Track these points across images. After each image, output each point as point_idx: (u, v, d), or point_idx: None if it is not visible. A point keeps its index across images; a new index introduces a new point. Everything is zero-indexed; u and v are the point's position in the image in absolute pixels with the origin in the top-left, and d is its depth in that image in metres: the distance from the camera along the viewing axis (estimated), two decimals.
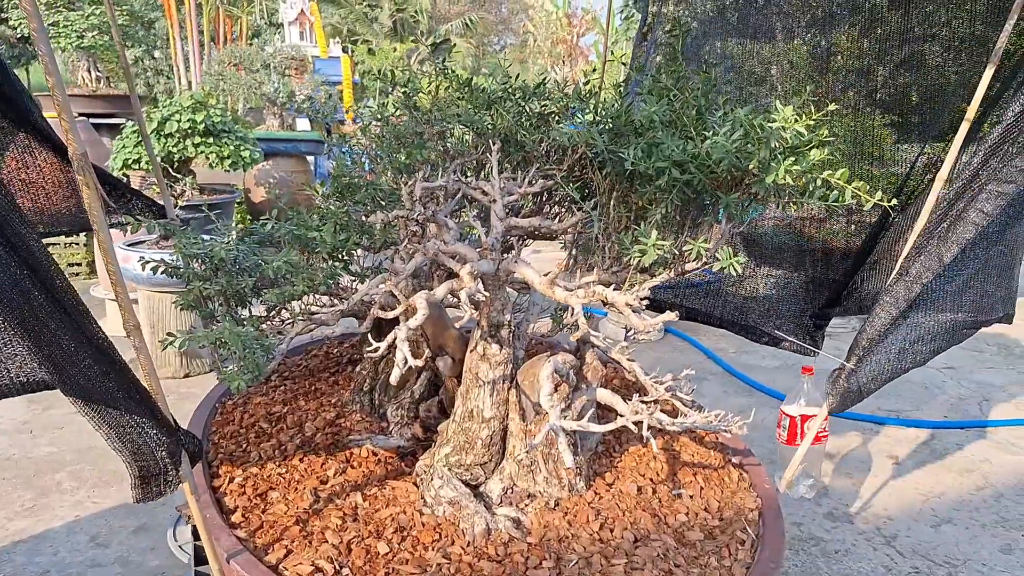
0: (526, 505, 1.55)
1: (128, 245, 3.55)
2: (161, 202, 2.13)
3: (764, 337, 2.57)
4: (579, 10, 20.05)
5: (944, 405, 3.59)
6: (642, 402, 1.45)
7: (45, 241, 1.22)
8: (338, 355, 2.31)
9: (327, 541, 1.39)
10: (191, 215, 4.06)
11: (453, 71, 1.77)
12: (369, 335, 1.71)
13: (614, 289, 1.41)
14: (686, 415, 1.51)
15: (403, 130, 1.78)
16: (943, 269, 2.05)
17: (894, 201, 1.31)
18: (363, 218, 1.64)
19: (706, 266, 1.43)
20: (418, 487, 1.59)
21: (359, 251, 1.71)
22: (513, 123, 1.63)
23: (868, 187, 1.24)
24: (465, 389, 1.61)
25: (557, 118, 1.73)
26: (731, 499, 1.65)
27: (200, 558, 1.72)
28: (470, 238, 1.69)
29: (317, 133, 7.42)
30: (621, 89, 1.72)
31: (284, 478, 1.60)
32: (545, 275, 1.42)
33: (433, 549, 1.39)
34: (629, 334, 4.03)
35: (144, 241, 3.62)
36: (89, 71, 6.64)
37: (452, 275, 1.48)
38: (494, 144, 1.59)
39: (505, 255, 1.55)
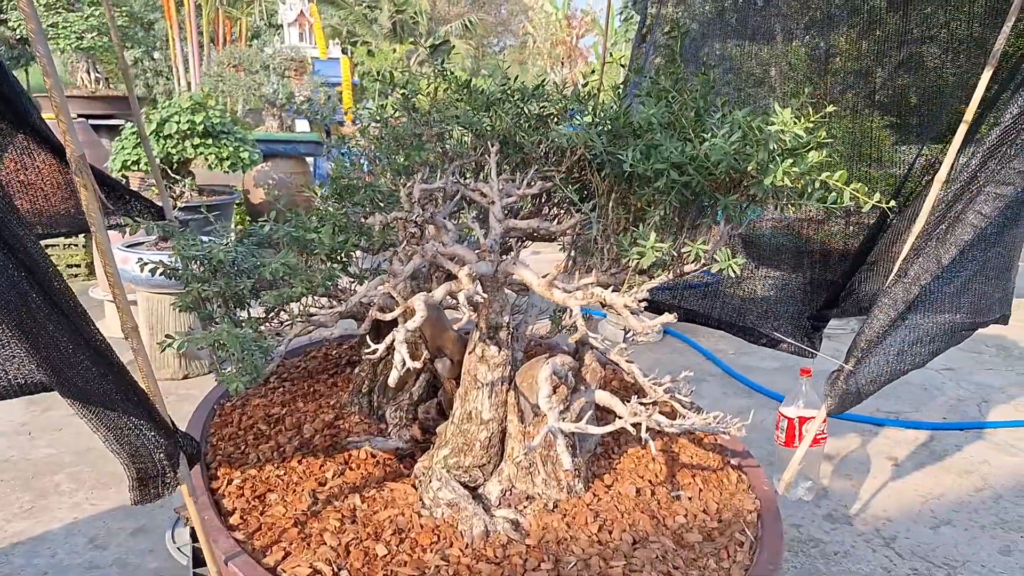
0: (524, 507, 1.55)
1: (127, 246, 3.55)
2: (160, 203, 2.13)
3: (762, 339, 2.57)
4: (578, 11, 20.07)
5: (943, 407, 3.59)
6: (640, 404, 1.45)
7: (44, 242, 1.22)
8: (337, 357, 2.31)
9: (325, 543, 1.39)
10: (190, 216, 4.07)
11: (452, 73, 1.77)
12: (367, 337, 1.71)
13: (613, 291, 1.41)
14: (685, 417, 1.51)
15: (402, 132, 1.78)
16: (941, 271, 2.05)
17: (892, 203, 1.31)
18: (362, 220, 1.64)
19: (704, 268, 1.43)
20: (416, 489, 1.59)
21: (358, 253, 1.71)
22: (512, 125, 1.63)
23: (866, 189, 1.24)
24: (464, 391, 1.61)
25: (556, 120, 1.73)
26: (730, 501, 1.65)
27: (198, 560, 1.71)
28: (469, 240, 1.69)
29: (316, 134, 7.42)
30: (620, 91, 1.72)
31: (282, 480, 1.60)
32: (543, 277, 1.42)
33: (431, 551, 1.39)
34: (628, 336, 4.03)
35: (143, 242, 3.62)
36: (88, 72, 6.65)
37: (451, 277, 1.48)
38: (493, 146, 1.59)
39: (504, 257, 1.55)
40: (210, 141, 4.41)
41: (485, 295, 1.48)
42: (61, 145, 1.76)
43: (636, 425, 1.39)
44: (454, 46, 21.11)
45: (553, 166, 1.64)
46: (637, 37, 2.96)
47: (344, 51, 15.41)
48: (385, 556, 1.37)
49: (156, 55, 11.14)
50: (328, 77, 9.95)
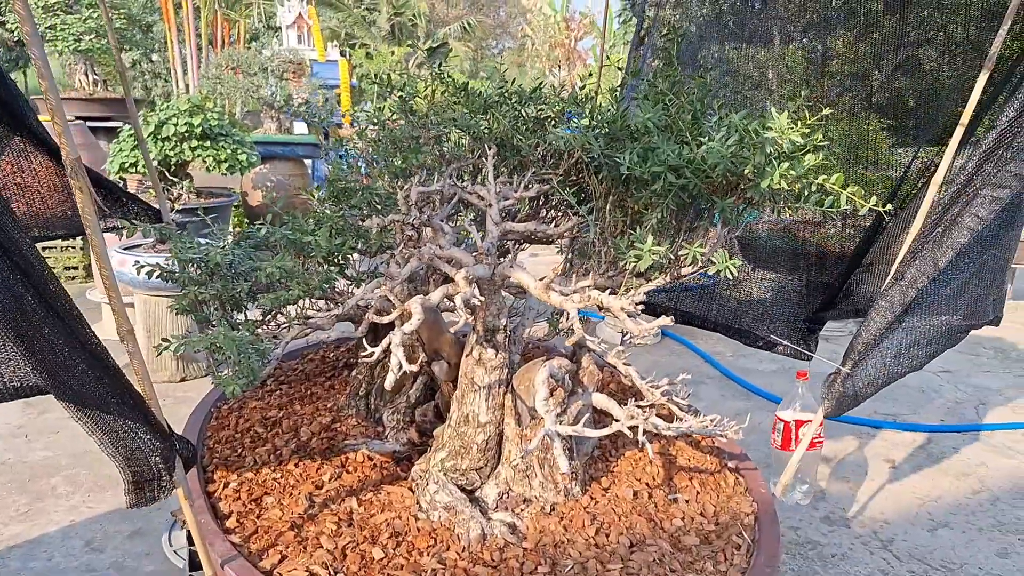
0: (522, 510, 1.55)
1: (124, 249, 3.54)
2: (157, 206, 2.13)
3: (758, 341, 2.57)
4: (577, 14, 20.09)
5: (941, 409, 3.59)
6: (638, 407, 1.45)
7: (42, 245, 1.22)
8: (334, 359, 2.31)
9: (322, 546, 1.38)
10: (187, 219, 4.06)
11: (449, 75, 1.77)
12: (365, 339, 1.70)
13: (610, 294, 1.41)
14: (682, 419, 1.51)
15: (399, 134, 1.78)
16: (938, 273, 2.05)
17: (889, 207, 1.31)
18: (359, 222, 1.64)
19: (701, 270, 1.43)
20: (413, 492, 1.59)
21: (355, 255, 1.71)
22: (509, 127, 1.63)
23: (863, 192, 1.25)
24: (461, 394, 1.60)
25: (553, 122, 1.74)
26: (727, 503, 1.65)
27: (195, 563, 1.71)
28: (466, 242, 1.69)
29: (314, 137, 7.42)
30: (617, 94, 1.72)
31: (279, 483, 1.59)
32: (541, 279, 1.42)
33: (428, 554, 1.39)
34: (625, 338, 4.02)
35: (140, 245, 3.62)
36: (86, 74, 6.65)
37: (448, 280, 1.48)
38: (490, 148, 1.59)
39: (501, 260, 1.55)
40: (208, 143, 4.40)
41: (482, 298, 1.48)
42: (58, 147, 1.76)
43: (633, 428, 1.39)
44: (452, 48, 21.13)
45: (550, 169, 1.64)
46: (635, 40, 2.96)
47: (342, 53, 15.41)
48: (382, 559, 1.37)
49: (154, 57, 11.14)
50: (326, 79, 9.96)
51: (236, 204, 5.95)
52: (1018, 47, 2.13)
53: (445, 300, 1.43)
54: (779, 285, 2.63)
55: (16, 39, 8.04)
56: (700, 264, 1.41)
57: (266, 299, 1.47)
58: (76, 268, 5.31)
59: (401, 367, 1.19)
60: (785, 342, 2.49)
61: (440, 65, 1.92)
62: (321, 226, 1.59)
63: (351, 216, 1.66)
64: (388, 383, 1.21)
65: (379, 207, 1.71)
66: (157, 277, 1.58)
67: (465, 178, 1.78)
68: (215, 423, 1.86)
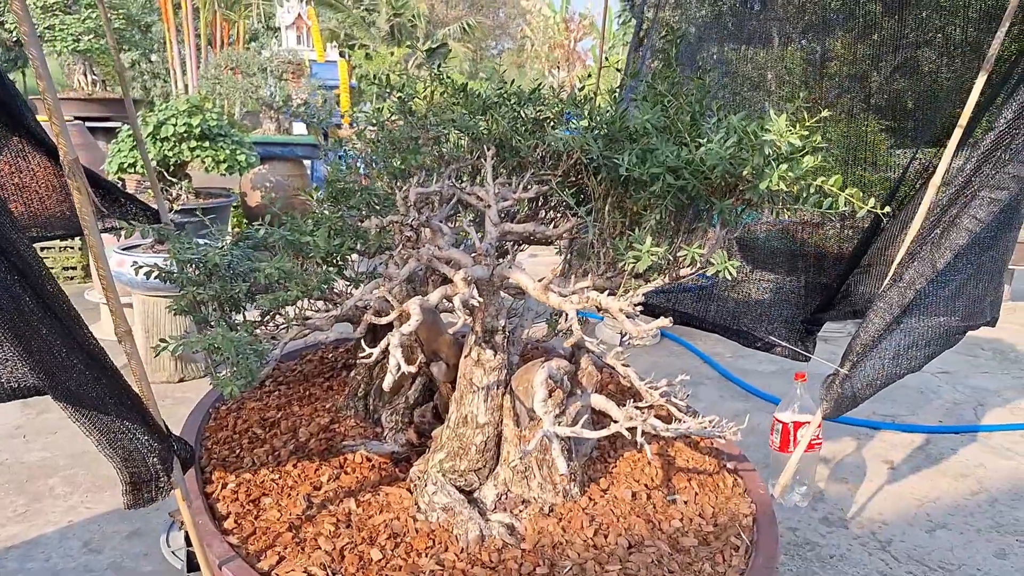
0: (520, 511, 1.55)
1: (122, 249, 3.54)
2: (155, 206, 2.13)
3: (757, 342, 2.57)
4: (576, 15, 20.11)
5: (939, 410, 3.59)
6: (636, 408, 1.45)
7: (40, 245, 1.22)
8: (332, 360, 2.30)
9: (320, 547, 1.38)
10: (186, 219, 4.06)
11: (448, 76, 1.77)
12: (363, 340, 1.70)
13: (608, 295, 1.41)
14: (681, 420, 1.51)
15: (398, 135, 1.78)
16: (936, 275, 2.06)
17: (887, 209, 1.31)
18: (358, 223, 1.64)
19: (700, 271, 1.43)
20: (412, 493, 1.59)
21: (354, 256, 1.71)
22: (508, 128, 1.63)
23: (861, 193, 1.25)
24: (459, 395, 1.60)
25: (552, 123, 1.74)
26: (725, 505, 1.65)
27: (193, 564, 1.71)
28: (465, 243, 1.69)
29: (313, 137, 7.42)
30: (616, 95, 1.72)
31: (277, 484, 1.59)
32: (539, 280, 1.42)
33: (427, 555, 1.39)
34: (624, 339, 4.02)
35: (138, 245, 3.61)
36: (85, 75, 6.64)
37: (447, 280, 1.48)
38: (489, 149, 1.59)
39: (500, 260, 1.55)
40: (207, 144, 4.40)
41: (481, 299, 1.48)
42: (56, 148, 1.76)
43: (632, 429, 1.39)
44: (451, 49, 21.14)
45: (549, 170, 1.64)
46: (634, 41, 2.97)
47: (342, 54, 15.41)
48: (380, 560, 1.37)
49: (154, 58, 11.14)
50: (326, 80, 9.96)
51: (235, 205, 5.95)
52: (1016, 49, 2.13)
53: (444, 301, 1.43)
54: (777, 286, 2.63)
55: (15, 39, 8.04)
56: (699, 265, 1.42)
57: (264, 300, 1.47)
58: (74, 268, 5.30)
59: (399, 368, 1.19)
60: (783, 343, 2.49)
61: (439, 66, 1.92)
62: (320, 227, 1.59)
63: (350, 217, 1.66)
64: (386, 384, 1.21)
65: (378, 208, 1.71)
66: (155, 277, 1.58)
67: (464, 179, 1.78)
68: (213, 424, 1.86)
